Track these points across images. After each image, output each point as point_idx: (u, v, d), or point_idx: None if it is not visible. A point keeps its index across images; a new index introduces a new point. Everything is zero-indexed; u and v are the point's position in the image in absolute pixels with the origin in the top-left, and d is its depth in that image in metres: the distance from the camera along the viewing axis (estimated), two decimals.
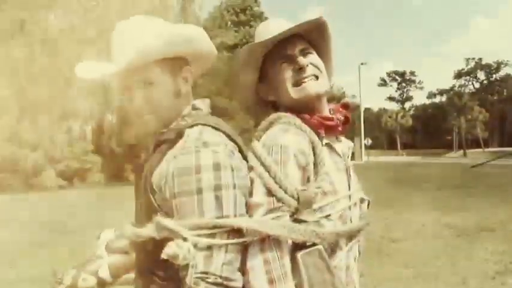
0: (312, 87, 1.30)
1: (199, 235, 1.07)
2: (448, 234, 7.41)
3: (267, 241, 1.11)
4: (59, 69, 21.11)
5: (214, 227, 1.08)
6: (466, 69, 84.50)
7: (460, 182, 15.71)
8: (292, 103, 1.32)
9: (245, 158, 1.24)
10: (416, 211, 9.71)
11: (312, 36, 1.38)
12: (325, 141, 1.30)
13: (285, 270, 1.10)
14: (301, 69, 1.31)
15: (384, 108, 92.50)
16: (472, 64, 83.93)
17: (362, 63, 45.68)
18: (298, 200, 1.16)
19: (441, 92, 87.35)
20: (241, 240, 1.10)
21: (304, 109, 1.32)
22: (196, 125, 1.22)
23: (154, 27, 1.26)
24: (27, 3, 22.36)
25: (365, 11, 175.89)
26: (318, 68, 1.34)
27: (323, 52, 1.41)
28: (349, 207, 1.30)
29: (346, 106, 1.41)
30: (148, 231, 1.14)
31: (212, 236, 1.08)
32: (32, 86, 21.11)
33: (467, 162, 28.66)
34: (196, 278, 1.06)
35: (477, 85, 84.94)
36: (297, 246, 1.15)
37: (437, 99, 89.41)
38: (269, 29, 1.35)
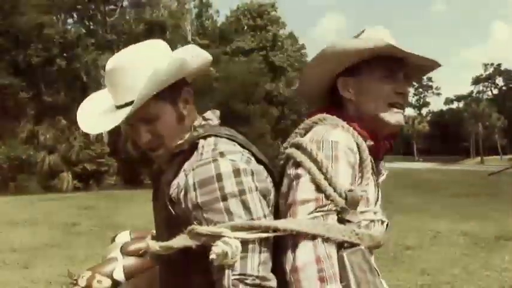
0: (400, 118, 1.29)
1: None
2: (464, 242, 7.31)
3: (318, 239, 1.08)
4: (76, 73, 21.38)
5: (251, 228, 1.08)
6: (484, 75, 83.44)
7: (477, 190, 15.51)
8: (370, 115, 1.28)
9: (262, 164, 1.23)
10: (432, 218, 9.60)
11: (409, 69, 1.34)
12: (368, 143, 1.25)
13: (334, 270, 1.07)
14: (401, 94, 1.29)
15: None
16: (490, 70, 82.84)
17: None
18: (346, 199, 1.13)
19: (459, 98, 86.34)
20: (278, 233, 1.09)
21: (371, 125, 1.27)
22: (210, 136, 1.23)
23: (150, 61, 1.21)
24: (46, 7, 22.71)
25: (385, 17, 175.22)
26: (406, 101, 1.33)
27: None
28: (373, 222, 1.25)
29: (394, 136, 1.37)
30: (181, 241, 1.12)
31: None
32: (50, 89, 21.40)
33: (485, 170, 28.31)
34: (235, 279, 1.06)
35: (495, 91, 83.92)
36: (338, 247, 1.11)
37: (454, 106, 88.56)
38: (386, 35, 1.30)
